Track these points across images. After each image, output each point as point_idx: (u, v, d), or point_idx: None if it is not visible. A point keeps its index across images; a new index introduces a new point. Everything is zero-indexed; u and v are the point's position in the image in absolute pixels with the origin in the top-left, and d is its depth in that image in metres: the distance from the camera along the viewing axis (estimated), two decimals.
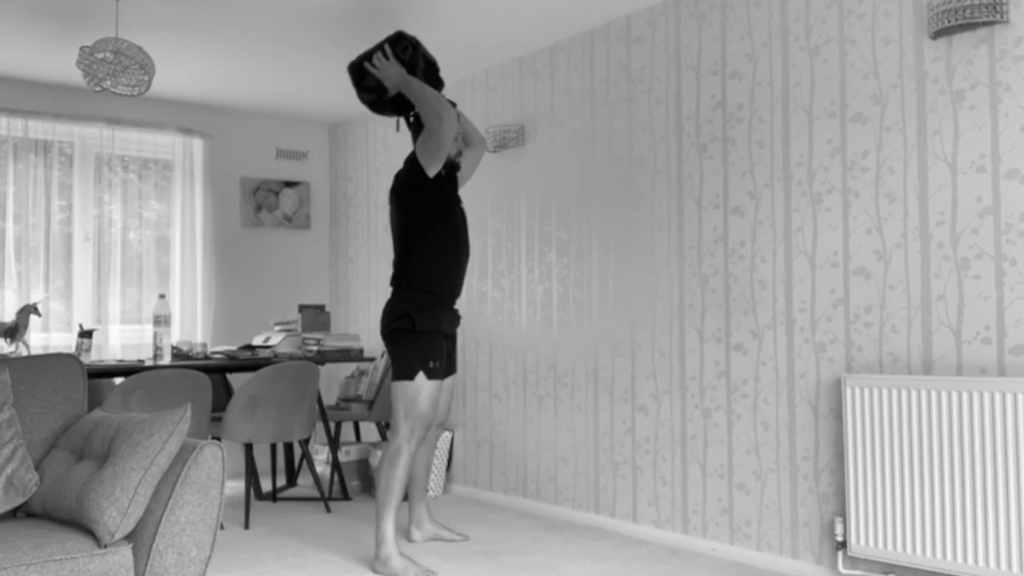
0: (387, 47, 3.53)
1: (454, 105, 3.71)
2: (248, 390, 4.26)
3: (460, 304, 5.02)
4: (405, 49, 3.54)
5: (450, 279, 3.57)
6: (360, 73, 3.59)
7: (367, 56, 3.58)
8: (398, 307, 3.50)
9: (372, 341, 5.79)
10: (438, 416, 3.83)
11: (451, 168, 3.68)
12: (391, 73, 3.52)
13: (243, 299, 5.85)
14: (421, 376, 3.45)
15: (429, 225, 3.52)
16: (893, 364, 3.07)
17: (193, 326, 5.51)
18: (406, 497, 4.72)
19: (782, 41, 3.46)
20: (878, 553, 2.98)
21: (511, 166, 4.71)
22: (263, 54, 4.64)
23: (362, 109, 5.82)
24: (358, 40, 4.41)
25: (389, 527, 3.41)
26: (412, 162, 3.54)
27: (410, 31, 4.29)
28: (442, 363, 3.53)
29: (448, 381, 3.79)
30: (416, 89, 3.48)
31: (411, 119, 3.72)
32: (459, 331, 5.02)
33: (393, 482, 3.43)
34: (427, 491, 3.94)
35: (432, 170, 3.49)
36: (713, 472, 3.65)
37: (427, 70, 3.63)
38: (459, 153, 3.74)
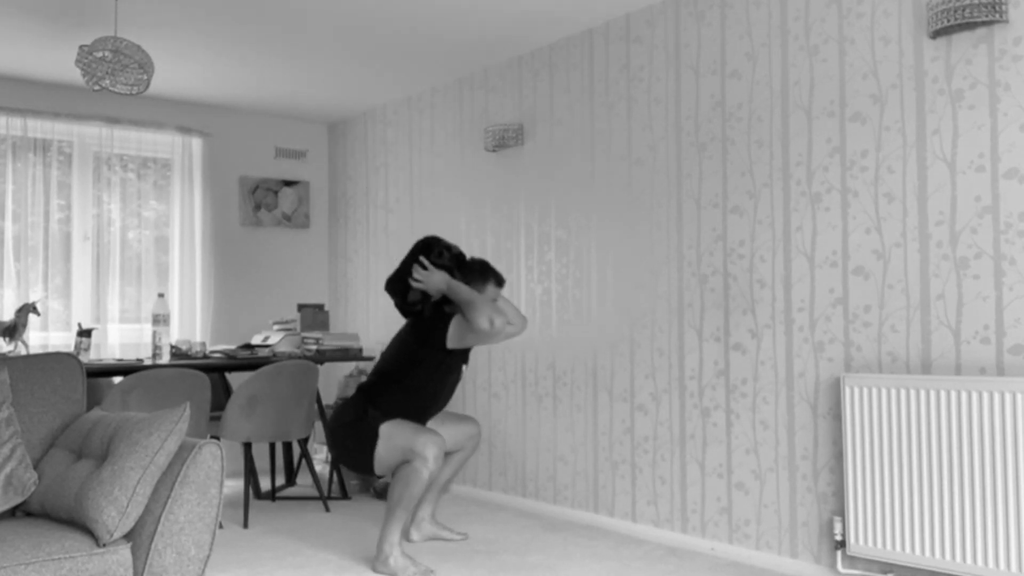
0: (422, 258, 3.54)
1: (503, 283, 3.69)
2: (247, 389, 4.25)
3: None
4: (440, 255, 3.56)
5: (413, 420, 3.56)
6: (403, 289, 3.57)
7: (404, 271, 3.56)
8: (355, 405, 3.49)
9: (371, 340, 5.79)
10: (464, 433, 3.77)
11: None
12: (435, 281, 3.50)
13: (242, 298, 5.85)
14: (382, 427, 3.40)
15: (423, 376, 3.51)
16: (892, 364, 3.07)
17: (192, 325, 5.51)
18: None
19: (781, 40, 3.46)
20: (877, 552, 2.98)
21: (510, 165, 4.71)
22: (262, 53, 4.64)
23: (361, 108, 5.82)
24: (358, 39, 4.41)
25: (395, 533, 3.39)
26: (443, 328, 3.49)
27: (409, 30, 4.29)
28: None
29: (433, 419, 3.77)
30: (465, 294, 3.44)
31: (419, 307, 3.60)
32: None
33: (407, 499, 3.37)
34: (444, 492, 3.87)
35: (452, 347, 3.50)
36: (712, 471, 3.66)
37: (460, 266, 3.63)
38: None
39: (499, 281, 3.68)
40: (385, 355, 3.61)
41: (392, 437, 3.39)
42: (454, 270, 3.59)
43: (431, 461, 3.33)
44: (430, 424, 3.76)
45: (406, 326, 3.61)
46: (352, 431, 3.46)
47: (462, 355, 3.62)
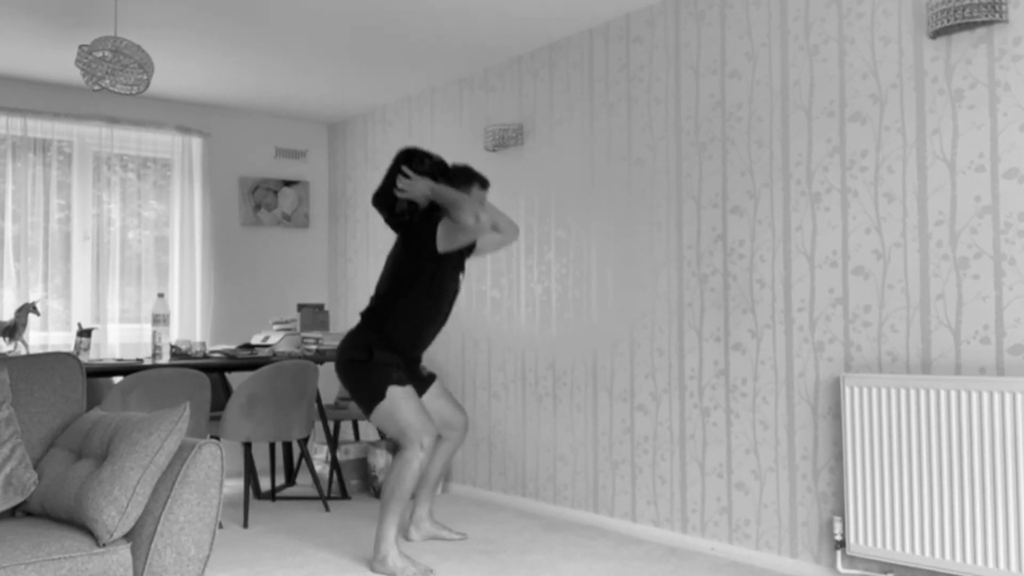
0: (404, 168, 3.53)
1: (487, 186, 3.72)
2: (247, 389, 4.25)
3: (460, 303, 5.02)
4: (422, 162, 3.56)
5: (417, 342, 3.58)
6: (389, 202, 3.56)
7: (389, 184, 3.56)
8: (360, 338, 3.50)
9: None
10: (454, 418, 3.80)
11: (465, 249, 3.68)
12: (420, 188, 3.50)
13: (242, 298, 5.85)
14: (392, 389, 3.42)
15: (420, 288, 3.51)
16: (892, 363, 3.07)
17: (192, 325, 5.51)
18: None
19: (781, 40, 3.46)
20: (877, 552, 2.98)
21: (510, 165, 4.71)
22: (262, 53, 4.64)
23: (361, 108, 5.82)
24: (358, 39, 4.41)
25: (391, 529, 3.40)
26: (431, 233, 3.50)
27: (409, 30, 4.29)
28: (405, 374, 3.51)
29: (435, 387, 3.78)
30: (451, 196, 3.44)
31: (407, 216, 3.60)
32: (458, 330, 5.02)
33: (401, 490, 3.39)
34: (436, 491, 3.89)
35: (442, 249, 3.50)
36: (712, 471, 3.66)
37: (443, 172, 3.64)
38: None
39: (483, 183, 3.71)
40: (381, 276, 3.61)
41: (397, 407, 3.40)
42: (437, 176, 3.60)
43: (422, 451, 3.38)
44: (430, 393, 3.77)
45: (396, 242, 3.61)
46: (360, 374, 3.46)
47: (457, 262, 3.62)
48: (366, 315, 3.55)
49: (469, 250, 3.72)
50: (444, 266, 3.55)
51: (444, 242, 3.48)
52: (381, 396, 3.41)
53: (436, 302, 3.55)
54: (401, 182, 3.52)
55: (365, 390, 3.45)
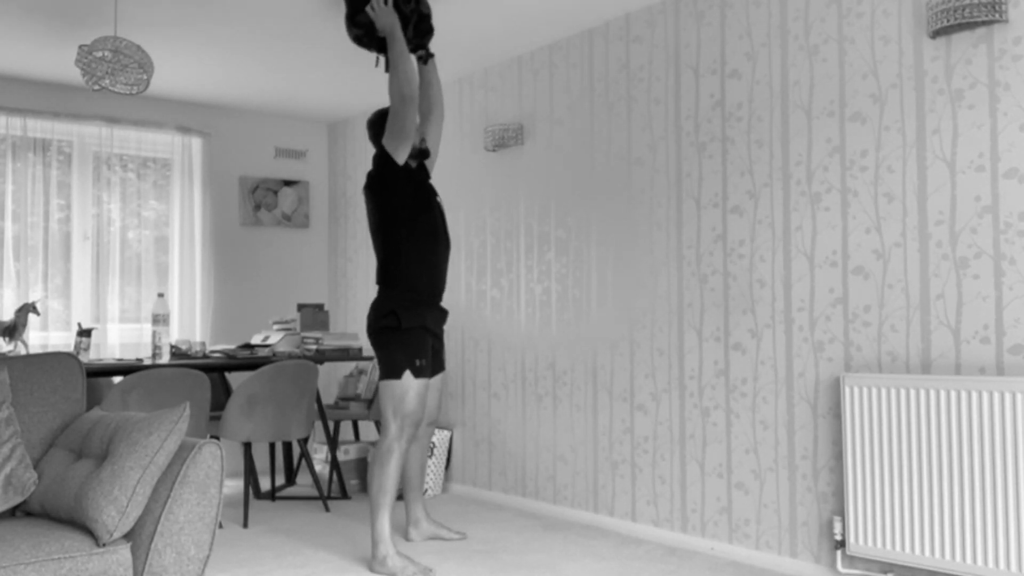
0: None
1: (431, 56, 3.74)
2: (247, 389, 4.25)
3: (459, 303, 5.02)
4: (408, 1, 3.52)
5: (433, 276, 3.59)
6: (357, 6, 3.52)
7: None
8: (383, 305, 3.52)
9: None
10: (428, 414, 3.85)
11: (420, 156, 3.67)
12: (385, 21, 3.48)
13: (242, 298, 5.85)
14: (408, 375, 3.46)
15: (407, 222, 3.52)
16: (892, 363, 3.07)
17: (192, 325, 5.51)
18: (401, 497, 4.73)
19: (781, 40, 3.46)
20: (877, 552, 2.98)
21: (510, 165, 4.71)
22: (262, 53, 4.63)
23: (361, 108, 5.82)
24: None
25: (385, 526, 3.41)
26: (381, 156, 3.53)
27: None
28: (428, 361, 3.54)
29: (436, 379, 3.80)
30: (397, 53, 3.45)
31: (361, 31, 3.60)
32: (458, 330, 5.02)
33: (386, 481, 3.44)
34: (423, 490, 3.94)
35: (400, 156, 3.49)
36: (712, 471, 3.66)
37: (419, 22, 3.60)
38: (423, 140, 3.72)
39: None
40: (373, 241, 3.61)
41: (405, 392, 3.46)
42: (409, 24, 3.57)
43: (403, 438, 3.45)
44: (431, 382, 3.81)
45: (367, 206, 3.60)
46: (387, 342, 3.49)
47: (424, 177, 3.63)
48: (380, 275, 3.57)
49: (425, 167, 3.72)
50: (415, 186, 3.55)
51: (392, 141, 3.46)
52: (397, 375, 3.47)
53: (431, 227, 3.57)
54: (377, 3, 3.47)
55: (389, 359, 3.49)
